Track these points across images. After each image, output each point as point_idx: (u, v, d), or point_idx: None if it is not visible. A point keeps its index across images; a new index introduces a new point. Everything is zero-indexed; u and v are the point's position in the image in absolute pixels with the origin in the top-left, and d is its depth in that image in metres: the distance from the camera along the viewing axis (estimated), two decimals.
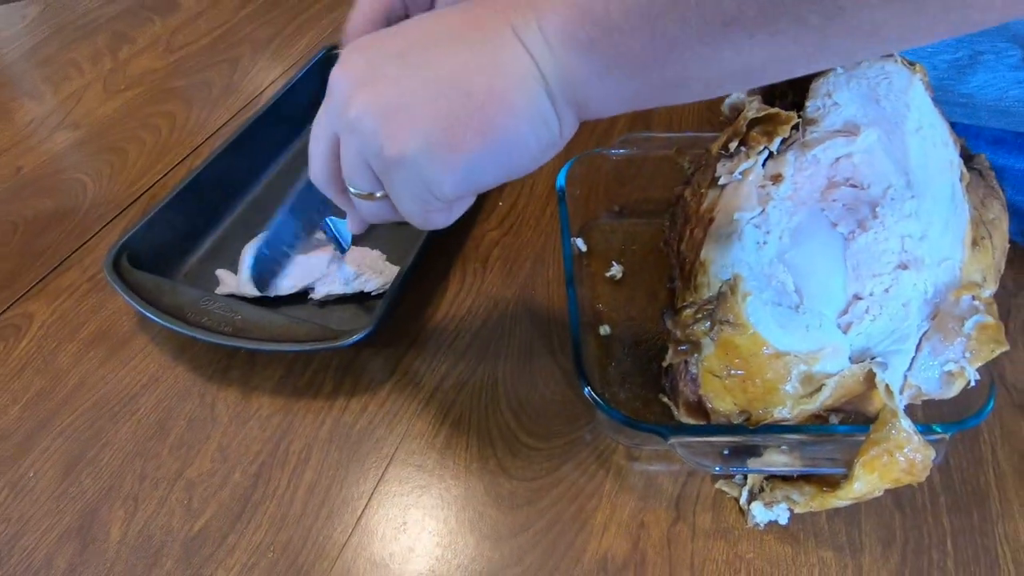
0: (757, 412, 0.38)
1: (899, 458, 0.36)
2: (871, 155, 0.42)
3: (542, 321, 0.53)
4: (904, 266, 0.39)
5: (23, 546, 0.41)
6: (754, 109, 0.44)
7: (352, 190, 0.34)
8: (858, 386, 0.38)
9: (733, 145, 0.44)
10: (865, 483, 0.36)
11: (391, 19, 0.39)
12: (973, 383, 0.38)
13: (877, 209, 0.40)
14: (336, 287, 0.53)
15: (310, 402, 0.48)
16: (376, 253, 0.56)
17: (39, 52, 0.83)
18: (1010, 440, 0.45)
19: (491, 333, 0.52)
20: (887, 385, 0.37)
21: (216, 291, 0.54)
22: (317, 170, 0.35)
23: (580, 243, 0.56)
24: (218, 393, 0.49)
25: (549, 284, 0.55)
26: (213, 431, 0.47)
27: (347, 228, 0.42)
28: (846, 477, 0.37)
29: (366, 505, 0.43)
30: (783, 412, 0.38)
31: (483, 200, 0.62)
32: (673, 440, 0.39)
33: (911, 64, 0.44)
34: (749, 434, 0.39)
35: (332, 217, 0.50)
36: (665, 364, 0.42)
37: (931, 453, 0.36)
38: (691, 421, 0.41)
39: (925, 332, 0.38)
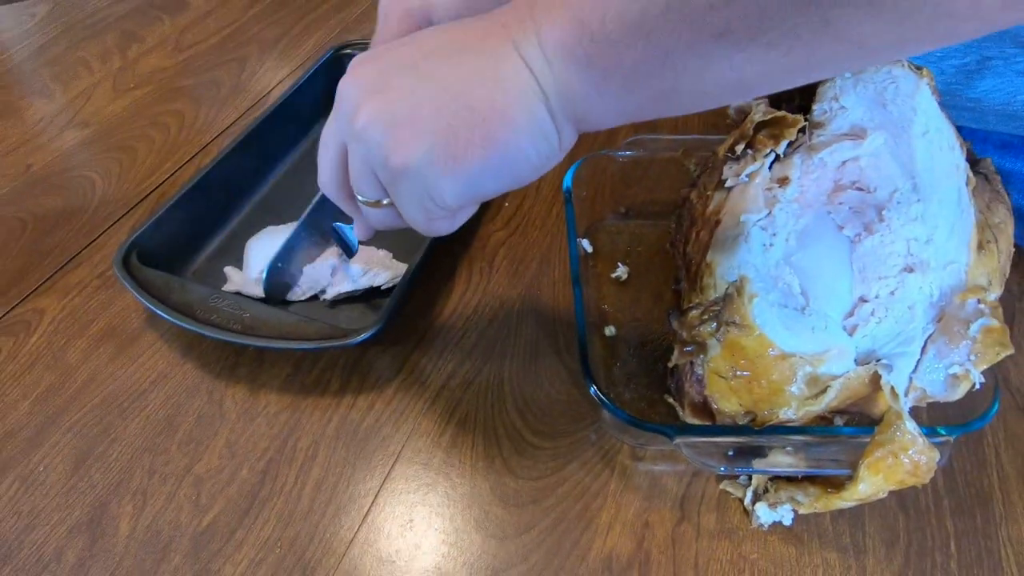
0: (762, 413, 0.39)
1: (904, 460, 0.36)
2: (877, 159, 0.42)
3: (548, 321, 0.53)
4: (910, 269, 0.39)
5: (33, 540, 0.42)
6: (761, 112, 0.45)
7: (360, 198, 0.35)
8: (863, 388, 0.38)
9: (740, 148, 0.45)
10: (869, 485, 0.37)
11: None
12: (978, 386, 0.38)
13: (883, 212, 0.40)
14: (346, 286, 0.53)
15: (317, 399, 0.48)
16: (383, 252, 0.56)
17: (48, 51, 0.84)
18: (1014, 443, 0.45)
19: (497, 332, 0.52)
20: (892, 387, 0.37)
21: (223, 288, 0.54)
22: (326, 177, 0.36)
23: (586, 244, 0.56)
24: (226, 390, 0.49)
25: (555, 284, 0.56)
26: (221, 427, 0.47)
27: (353, 234, 0.42)
28: (850, 478, 0.37)
29: (372, 502, 0.43)
30: (788, 413, 0.38)
31: (489, 201, 0.62)
32: (679, 440, 0.39)
33: (918, 69, 0.44)
34: (754, 435, 0.39)
35: (339, 223, 0.50)
36: (671, 365, 0.42)
37: (935, 455, 0.36)
38: (696, 422, 0.41)
39: (930, 335, 0.39)
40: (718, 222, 0.44)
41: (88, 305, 0.55)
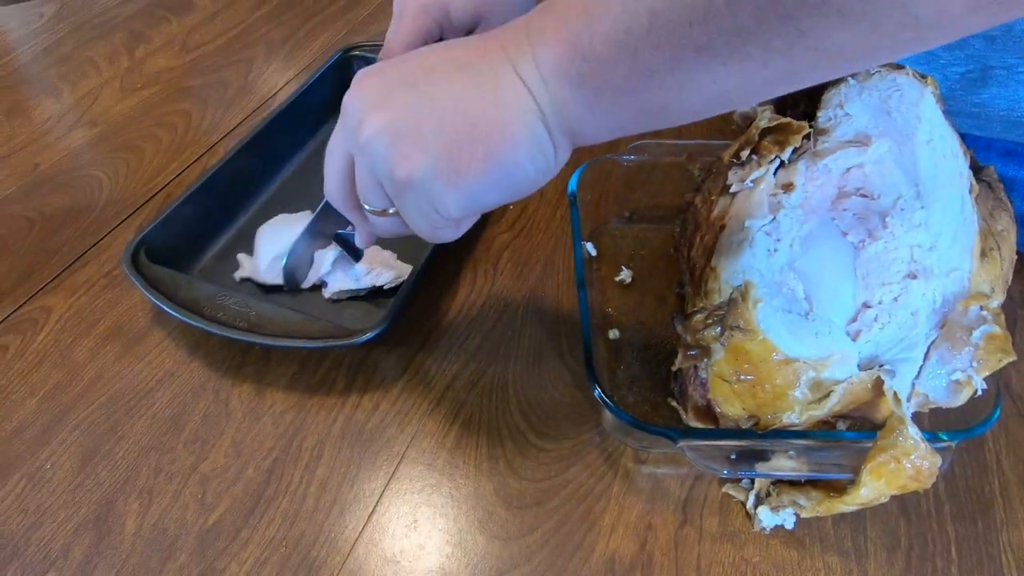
0: (766, 417, 0.39)
1: (906, 465, 0.36)
2: (882, 166, 0.42)
3: (552, 323, 0.53)
4: (913, 275, 0.40)
5: (40, 537, 0.42)
6: (766, 119, 0.45)
7: (367, 207, 0.36)
8: (866, 393, 0.38)
9: (745, 153, 0.45)
10: (871, 489, 0.37)
11: (428, 41, 0.41)
12: (980, 392, 0.39)
13: (887, 219, 0.41)
14: (348, 284, 0.54)
15: (323, 399, 0.49)
16: (387, 253, 0.57)
17: (56, 50, 0.84)
18: (1015, 449, 0.46)
19: (501, 334, 0.53)
20: (895, 393, 0.37)
21: (234, 275, 0.55)
22: (333, 188, 0.37)
23: (590, 247, 0.57)
24: (232, 389, 0.49)
25: (559, 287, 0.56)
26: (227, 426, 0.47)
27: (356, 242, 0.43)
28: (853, 483, 0.38)
29: (377, 502, 0.44)
30: (791, 417, 0.38)
31: None
32: (682, 443, 0.39)
33: (922, 77, 0.45)
34: (757, 439, 0.39)
35: (342, 231, 0.51)
36: (674, 368, 0.42)
37: (937, 460, 0.36)
38: (700, 425, 0.42)
39: (933, 341, 0.39)
40: (723, 227, 0.44)
41: (95, 304, 0.55)
